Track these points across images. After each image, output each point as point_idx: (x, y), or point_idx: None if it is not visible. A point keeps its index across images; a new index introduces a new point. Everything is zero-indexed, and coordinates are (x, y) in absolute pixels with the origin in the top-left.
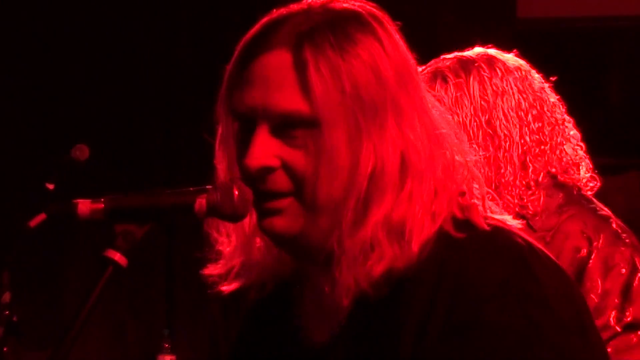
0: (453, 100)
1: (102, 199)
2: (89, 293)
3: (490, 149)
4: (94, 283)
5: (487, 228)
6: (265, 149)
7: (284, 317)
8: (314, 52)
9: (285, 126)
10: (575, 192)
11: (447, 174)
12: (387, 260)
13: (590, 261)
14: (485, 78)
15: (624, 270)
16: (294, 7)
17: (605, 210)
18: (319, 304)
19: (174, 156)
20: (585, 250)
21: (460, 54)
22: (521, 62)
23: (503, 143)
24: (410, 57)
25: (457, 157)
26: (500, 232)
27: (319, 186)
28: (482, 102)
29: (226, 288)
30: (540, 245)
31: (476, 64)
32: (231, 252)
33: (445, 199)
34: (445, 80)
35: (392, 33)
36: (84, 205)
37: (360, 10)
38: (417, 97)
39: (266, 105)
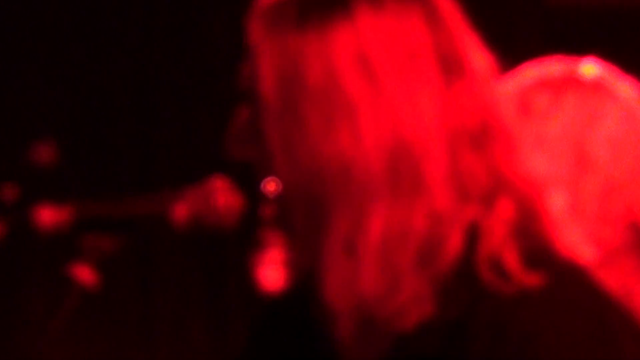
0: None
1: (68, 208)
2: (52, 317)
3: None
4: (58, 305)
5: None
6: (241, 135)
7: (311, 334)
8: (270, 27)
9: (256, 110)
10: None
11: (450, 185)
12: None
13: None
14: None
15: None
16: None
17: None
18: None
19: (150, 158)
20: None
21: None
22: None
23: None
24: (414, 40)
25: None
26: (580, 283)
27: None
28: None
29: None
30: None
31: None
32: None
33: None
34: None
35: (388, 7)
36: (47, 214)
37: None
38: (403, 90)
39: (240, 84)
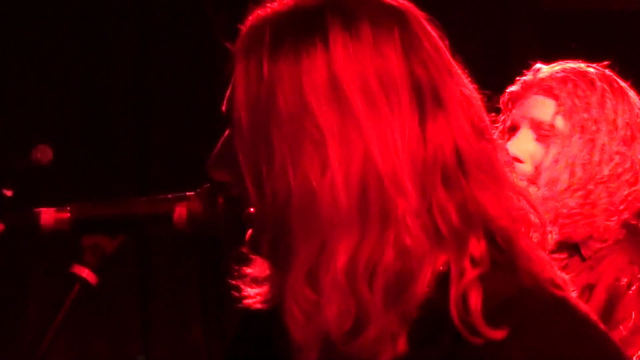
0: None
1: (68, 208)
2: (54, 314)
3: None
4: (59, 303)
5: (555, 297)
6: (220, 156)
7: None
8: (245, 51)
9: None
10: (635, 231)
11: (420, 221)
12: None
13: (630, 292)
14: None
15: None
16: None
17: None
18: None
19: (150, 159)
20: (626, 280)
21: None
22: None
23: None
24: (389, 69)
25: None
26: (576, 311)
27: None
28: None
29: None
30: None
31: None
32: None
33: (445, 248)
34: None
35: (364, 35)
36: (48, 215)
37: (322, 5)
38: (374, 120)
39: (224, 107)
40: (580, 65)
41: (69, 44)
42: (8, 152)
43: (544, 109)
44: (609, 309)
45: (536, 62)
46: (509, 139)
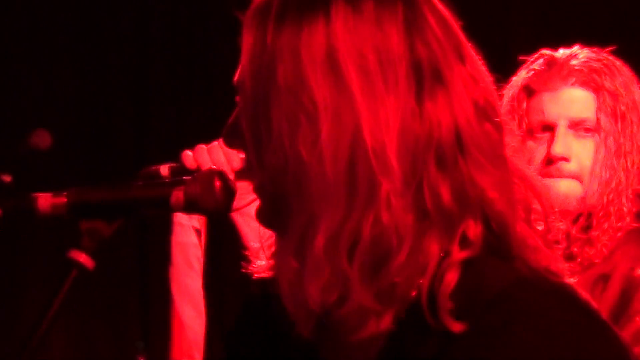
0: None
1: (65, 193)
2: (51, 300)
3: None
4: (57, 288)
5: (554, 284)
6: (233, 127)
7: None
8: (252, 23)
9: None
10: None
11: (404, 200)
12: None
13: None
14: None
15: None
16: None
17: None
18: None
19: (147, 144)
20: None
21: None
22: None
23: None
24: (388, 45)
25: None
26: (571, 295)
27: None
28: None
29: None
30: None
31: None
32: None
33: (433, 229)
34: None
35: (366, 10)
36: (45, 200)
37: None
38: (367, 95)
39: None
40: (601, 52)
41: (66, 30)
42: (6, 137)
43: (584, 105)
44: (625, 300)
45: (540, 48)
46: (549, 137)
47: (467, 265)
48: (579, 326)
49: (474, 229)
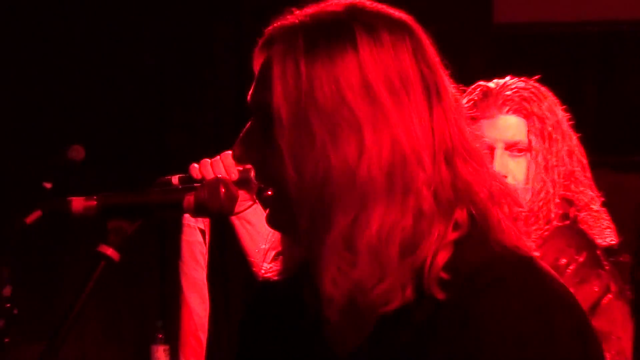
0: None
1: (95, 197)
2: (83, 287)
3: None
4: (89, 276)
5: (522, 257)
6: (248, 142)
7: (296, 309)
8: (282, 54)
9: (262, 124)
10: (567, 217)
11: (431, 191)
12: (355, 277)
13: (568, 270)
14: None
15: (596, 289)
16: (311, 7)
17: (598, 242)
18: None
19: (165, 157)
20: (565, 261)
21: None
22: None
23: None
24: (408, 67)
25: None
26: (534, 265)
27: (284, 185)
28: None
29: (268, 274)
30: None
31: None
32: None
33: (442, 215)
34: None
35: (384, 45)
36: (78, 203)
37: (351, 17)
38: (398, 111)
39: (248, 102)
40: (529, 81)
41: (100, 63)
42: (48, 151)
43: (517, 129)
44: None
45: (482, 79)
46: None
47: (456, 245)
48: (543, 290)
49: (461, 215)
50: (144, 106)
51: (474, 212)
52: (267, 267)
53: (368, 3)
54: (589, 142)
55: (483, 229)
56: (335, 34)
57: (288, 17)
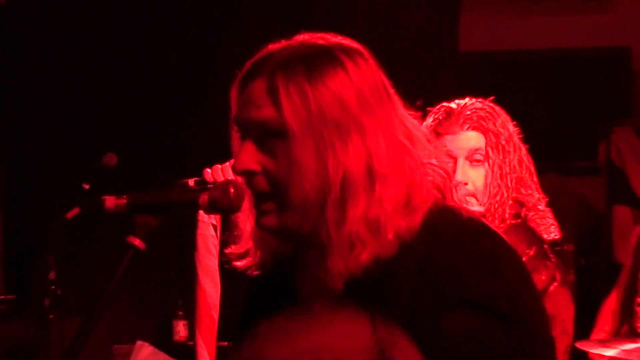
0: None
1: (125, 196)
2: (115, 271)
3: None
4: (119, 263)
5: (461, 216)
6: (248, 156)
7: (286, 291)
8: (285, 79)
9: (264, 137)
10: (519, 216)
11: (417, 175)
12: (370, 250)
13: None
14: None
15: (544, 278)
16: (282, 43)
17: (544, 237)
18: (317, 284)
19: (184, 163)
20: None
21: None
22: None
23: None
24: (379, 83)
25: (425, 165)
26: (470, 220)
27: (290, 189)
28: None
29: (240, 264)
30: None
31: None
32: (245, 238)
33: (422, 193)
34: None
35: (362, 65)
36: (110, 201)
37: (332, 45)
38: (383, 116)
39: (248, 120)
40: (485, 101)
41: (129, 86)
42: (87, 158)
43: (477, 143)
44: None
45: (450, 100)
46: (452, 167)
47: (426, 212)
48: (493, 238)
49: (429, 192)
50: (165, 120)
51: (438, 191)
52: (240, 264)
53: (330, 36)
54: (538, 151)
55: (445, 204)
56: (326, 60)
57: (274, 48)
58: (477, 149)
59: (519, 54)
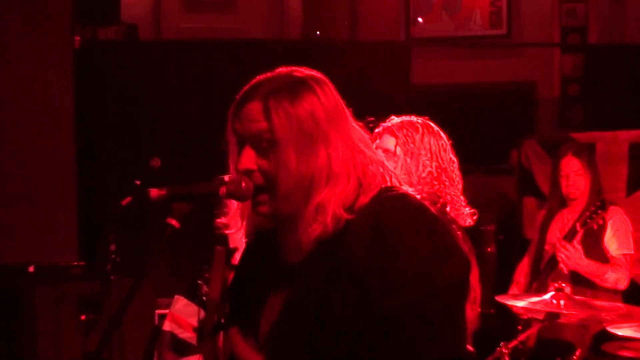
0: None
1: (165, 188)
2: (158, 244)
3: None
4: (161, 238)
5: (400, 192)
6: (248, 159)
7: (271, 250)
8: (275, 102)
9: (259, 144)
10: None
11: (367, 167)
12: (330, 218)
13: None
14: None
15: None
16: (270, 73)
17: (460, 223)
18: (293, 243)
19: (210, 166)
20: None
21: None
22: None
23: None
24: (340, 104)
25: (372, 161)
26: (407, 194)
27: (278, 182)
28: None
29: (227, 232)
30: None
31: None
32: (231, 213)
33: (371, 180)
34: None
35: (327, 90)
36: (154, 192)
37: (307, 77)
38: (343, 126)
39: (247, 132)
40: (419, 118)
41: (172, 107)
42: (138, 161)
43: (389, 144)
44: None
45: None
46: None
47: (376, 192)
48: (419, 206)
49: (376, 179)
50: (197, 135)
51: (386, 179)
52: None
53: (304, 69)
54: (469, 157)
55: (386, 186)
56: (303, 87)
57: (261, 78)
58: (388, 149)
59: (455, 86)
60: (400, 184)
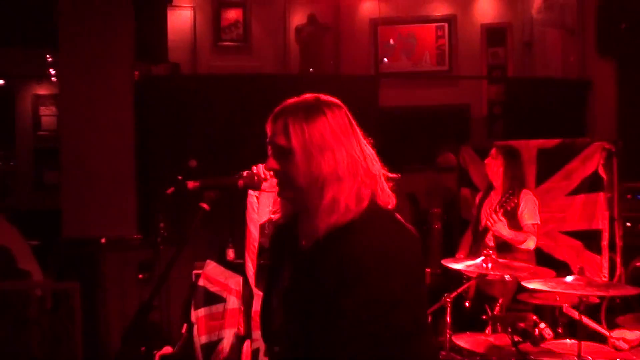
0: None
1: (199, 181)
2: (192, 223)
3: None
4: (195, 218)
5: (386, 208)
6: (273, 161)
7: (293, 235)
8: (293, 122)
9: (281, 151)
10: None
11: (364, 179)
12: (343, 209)
13: None
14: None
15: None
16: (297, 98)
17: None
18: (308, 231)
19: (232, 166)
20: None
21: None
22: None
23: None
24: (347, 122)
25: (370, 175)
26: (386, 219)
27: (294, 180)
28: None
29: (274, 217)
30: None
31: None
32: (275, 204)
33: (368, 189)
34: None
35: (337, 113)
36: (190, 184)
37: (320, 101)
38: (347, 142)
39: (273, 142)
40: None
41: (207, 118)
42: (179, 162)
43: None
44: None
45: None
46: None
47: (369, 202)
48: (396, 228)
49: (369, 192)
50: (225, 140)
51: (377, 193)
52: (275, 216)
53: (322, 95)
54: (424, 159)
55: (374, 200)
56: (316, 111)
57: (289, 102)
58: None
59: (412, 108)
60: (388, 202)
